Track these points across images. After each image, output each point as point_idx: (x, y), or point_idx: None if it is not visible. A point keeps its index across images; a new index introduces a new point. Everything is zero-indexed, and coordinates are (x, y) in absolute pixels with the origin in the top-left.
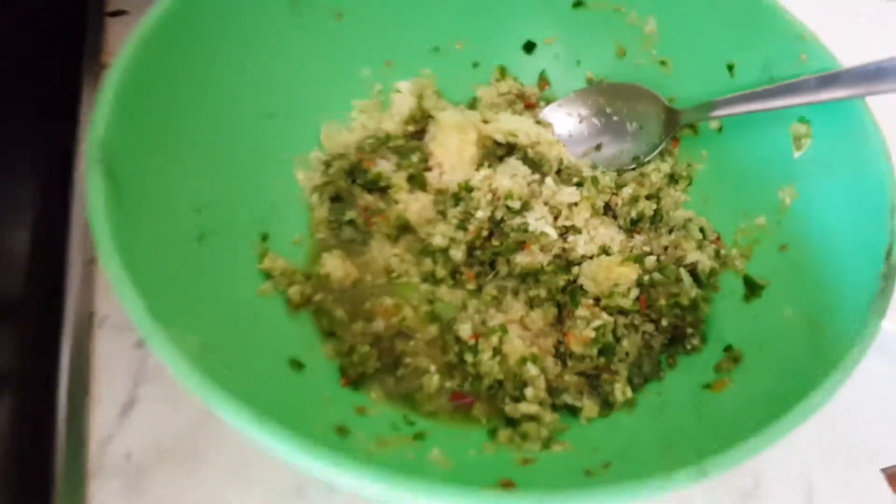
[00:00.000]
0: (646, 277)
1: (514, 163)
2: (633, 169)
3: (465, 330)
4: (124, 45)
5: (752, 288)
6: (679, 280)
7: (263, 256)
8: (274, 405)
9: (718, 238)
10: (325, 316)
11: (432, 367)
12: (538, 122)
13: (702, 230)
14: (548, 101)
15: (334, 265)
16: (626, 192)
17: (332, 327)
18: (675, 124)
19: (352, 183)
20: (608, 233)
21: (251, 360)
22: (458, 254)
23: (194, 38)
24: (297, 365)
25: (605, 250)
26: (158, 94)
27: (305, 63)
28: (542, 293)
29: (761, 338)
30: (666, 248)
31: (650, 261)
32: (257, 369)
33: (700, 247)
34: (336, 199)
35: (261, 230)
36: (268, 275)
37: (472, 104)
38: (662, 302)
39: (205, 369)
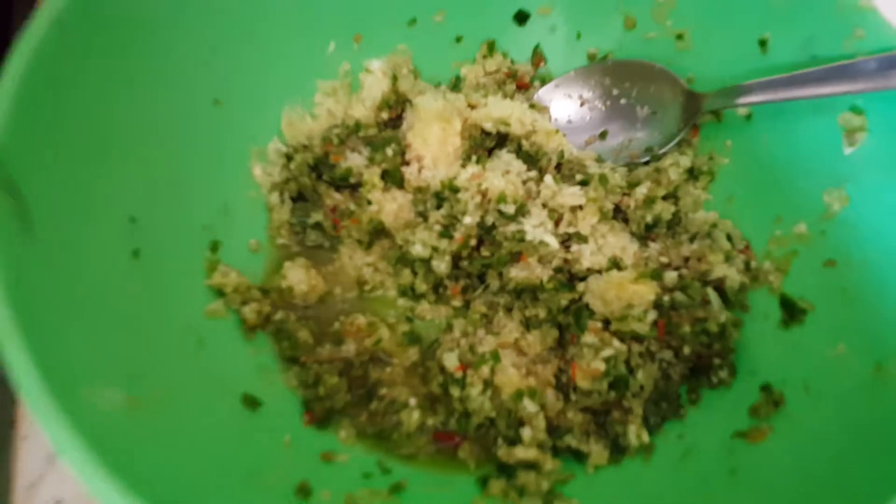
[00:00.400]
0: (665, 298)
1: (506, 157)
2: (646, 163)
3: (450, 360)
4: (29, 22)
5: (792, 311)
6: (706, 302)
7: (213, 270)
8: (222, 467)
9: (748, 247)
10: (287, 338)
11: (412, 400)
12: (532, 106)
13: (729, 237)
14: (543, 81)
15: (298, 276)
16: (640, 191)
17: (295, 352)
18: (696, 111)
19: (317, 179)
20: (619, 241)
21: (194, 403)
22: (441, 265)
23: (121, 9)
24: (251, 402)
25: (615, 263)
26: (76, 82)
27: (261, 37)
28: (541, 313)
29: (807, 376)
30: (687, 259)
31: (670, 276)
32: (202, 416)
33: (728, 258)
34: (299, 198)
35: (210, 238)
36: (218, 292)
37: (456, 85)
38: (686, 328)
39: (119, 461)
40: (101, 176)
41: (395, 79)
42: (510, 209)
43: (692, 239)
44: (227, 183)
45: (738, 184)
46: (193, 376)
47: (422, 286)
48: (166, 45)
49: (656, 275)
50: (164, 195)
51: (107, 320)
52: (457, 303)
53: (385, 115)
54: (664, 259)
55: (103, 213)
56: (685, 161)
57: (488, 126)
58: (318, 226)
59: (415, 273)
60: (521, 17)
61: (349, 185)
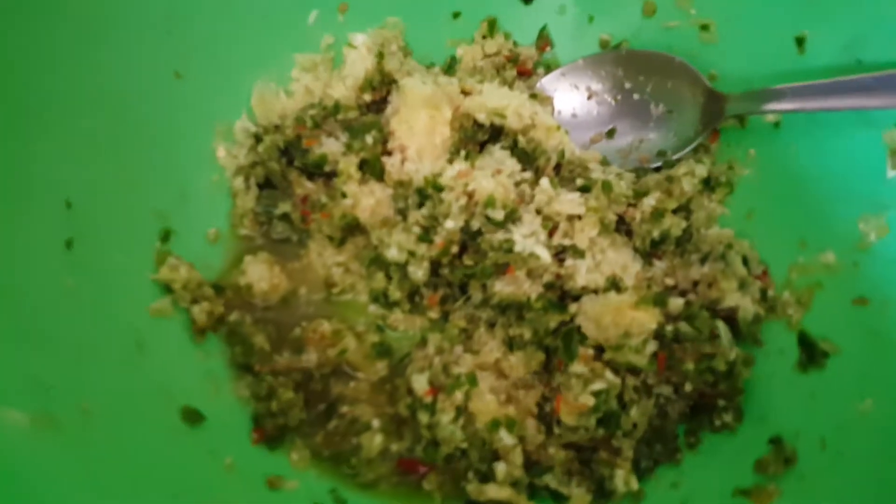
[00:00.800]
0: (668, 327)
1: (499, 153)
2: (657, 169)
3: (419, 382)
4: None
5: (811, 353)
6: (715, 336)
7: (161, 263)
8: (146, 499)
9: (766, 273)
10: (241, 343)
11: (375, 422)
12: (533, 96)
13: (745, 261)
14: (548, 68)
15: (258, 273)
16: (648, 202)
17: (249, 359)
18: (718, 113)
19: (288, 165)
20: (620, 258)
21: (124, 417)
22: (418, 272)
23: None
24: (192, 416)
25: (614, 283)
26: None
27: (231, 2)
28: (527, 334)
29: (825, 432)
30: (696, 283)
31: (675, 303)
32: (131, 433)
33: (742, 285)
34: (267, 184)
35: (162, 226)
36: (166, 287)
37: (450, 67)
38: (690, 365)
39: None
40: (29, 152)
41: (381, 56)
42: (499, 215)
43: (703, 260)
44: (186, 164)
45: (759, 199)
46: (128, 385)
47: (396, 293)
48: (117, 5)
49: (660, 300)
50: (108, 177)
51: (20, 321)
52: (434, 314)
53: (368, 97)
54: (670, 281)
55: (27, 195)
56: (701, 170)
57: (482, 117)
58: (285, 217)
59: (389, 278)
60: None
61: (323, 173)
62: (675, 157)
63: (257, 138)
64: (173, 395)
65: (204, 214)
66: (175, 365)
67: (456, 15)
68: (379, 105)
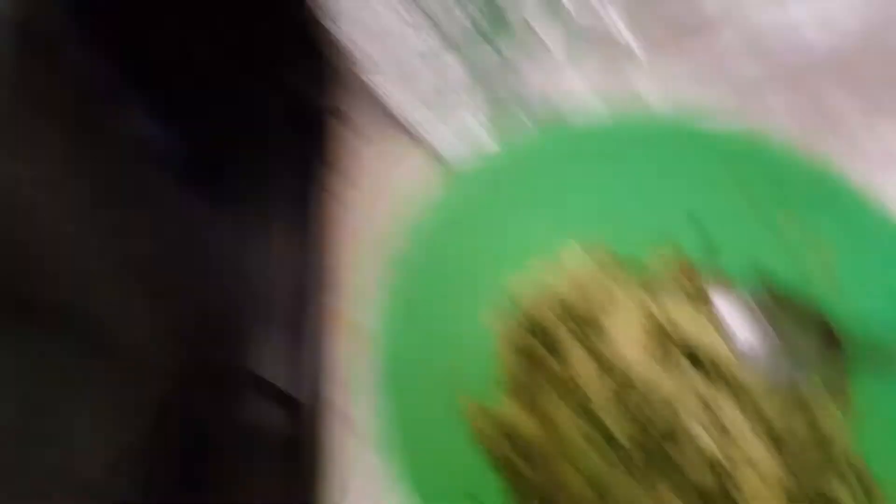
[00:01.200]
0: None
1: (683, 363)
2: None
3: None
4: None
5: None
6: None
7: (458, 395)
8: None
9: (871, 482)
10: (506, 464)
11: None
12: (709, 314)
13: (859, 476)
14: (717, 287)
15: (516, 414)
16: (781, 403)
17: (509, 475)
18: (842, 363)
19: (535, 339)
20: (755, 441)
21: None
22: (615, 426)
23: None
24: (473, 499)
25: (750, 461)
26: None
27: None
28: (688, 487)
29: None
30: (812, 475)
31: (799, 489)
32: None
33: (853, 491)
34: (520, 351)
35: (457, 366)
36: (461, 411)
37: (645, 277)
38: None
39: None
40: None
41: (590, 264)
42: (676, 407)
43: (822, 455)
44: (474, 331)
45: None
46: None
47: (599, 439)
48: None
49: (785, 487)
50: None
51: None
52: (624, 455)
53: (584, 298)
54: (792, 464)
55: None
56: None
57: (668, 327)
58: (532, 377)
59: (597, 428)
60: (694, 220)
61: (558, 349)
62: (805, 379)
63: (513, 317)
64: (461, 483)
65: (482, 369)
66: (463, 464)
67: (648, 231)
68: (595, 305)
